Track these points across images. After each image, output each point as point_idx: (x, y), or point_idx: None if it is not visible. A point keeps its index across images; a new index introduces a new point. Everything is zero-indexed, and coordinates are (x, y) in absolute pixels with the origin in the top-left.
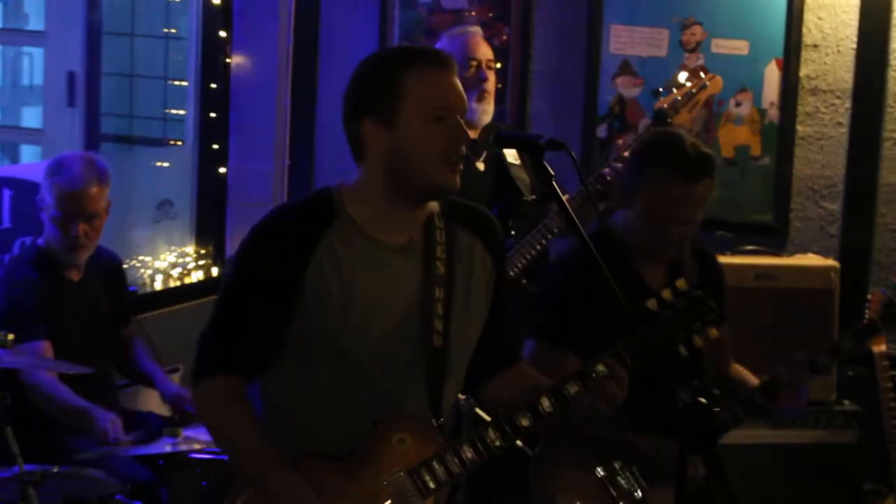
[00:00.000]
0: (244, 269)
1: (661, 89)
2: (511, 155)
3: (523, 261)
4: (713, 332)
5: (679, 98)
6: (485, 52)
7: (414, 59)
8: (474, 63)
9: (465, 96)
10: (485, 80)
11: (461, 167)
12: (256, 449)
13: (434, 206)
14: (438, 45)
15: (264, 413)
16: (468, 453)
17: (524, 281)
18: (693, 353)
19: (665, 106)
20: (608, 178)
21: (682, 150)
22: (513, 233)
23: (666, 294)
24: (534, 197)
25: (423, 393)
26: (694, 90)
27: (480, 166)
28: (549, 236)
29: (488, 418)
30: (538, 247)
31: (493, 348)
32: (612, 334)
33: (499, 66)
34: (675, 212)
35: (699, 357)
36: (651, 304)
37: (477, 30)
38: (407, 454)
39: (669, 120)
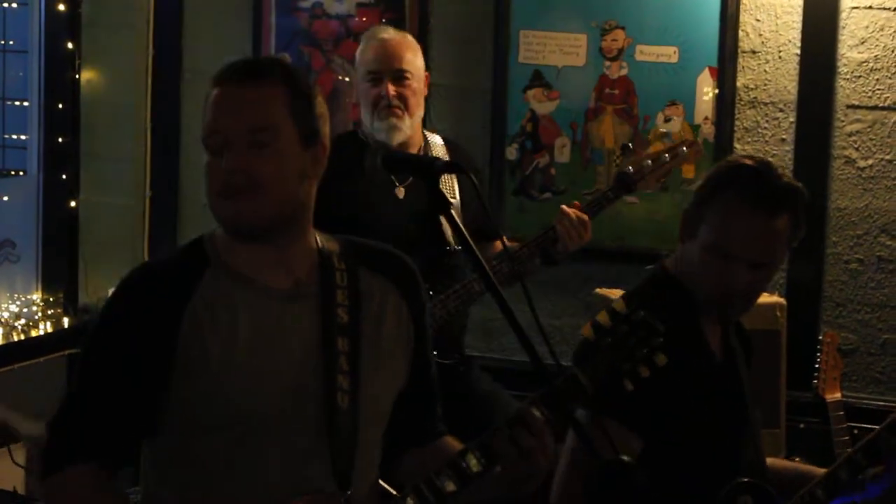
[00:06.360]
0: (101, 336)
1: (630, 144)
2: (448, 189)
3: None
4: (661, 360)
5: (649, 162)
6: (385, 60)
7: (213, 79)
8: (369, 75)
9: (259, 115)
10: (382, 95)
11: (243, 208)
12: None
13: (332, 245)
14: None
15: (145, 497)
16: None
17: None
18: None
19: (630, 169)
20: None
21: (760, 174)
22: (430, 293)
23: (602, 318)
24: (460, 248)
25: (327, 462)
26: (667, 155)
27: (400, 193)
28: (465, 301)
29: (394, 492)
30: (450, 312)
31: (408, 419)
32: None
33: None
34: (742, 247)
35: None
36: (586, 330)
37: (374, 35)
38: None
39: (633, 188)
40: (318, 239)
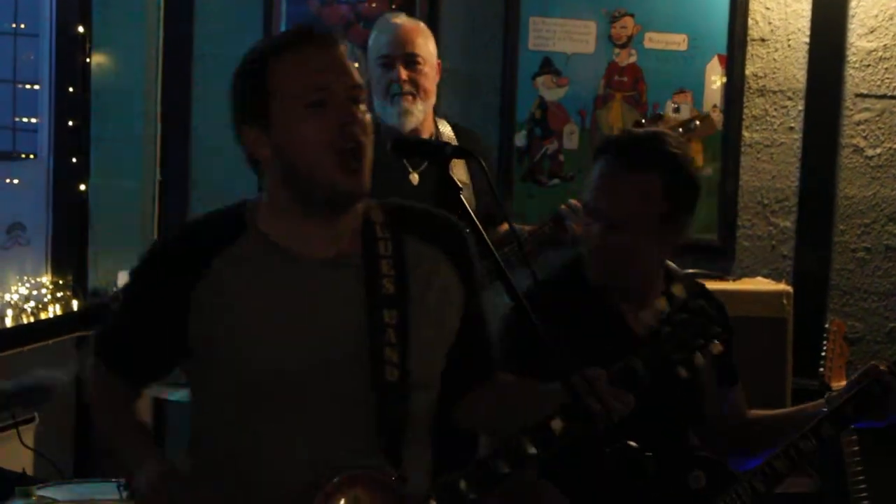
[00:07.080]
0: (134, 276)
1: (643, 120)
2: (459, 174)
3: None
4: (717, 348)
5: None
6: (397, 45)
7: (281, 44)
8: (381, 59)
9: (353, 74)
10: (394, 79)
11: (362, 165)
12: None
13: (375, 212)
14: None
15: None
16: None
17: None
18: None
19: None
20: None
21: (637, 136)
22: None
23: (662, 304)
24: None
25: (372, 437)
26: (680, 129)
27: (415, 179)
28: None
29: None
30: None
31: (463, 367)
32: None
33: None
34: (598, 197)
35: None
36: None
37: (387, 20)
38: None
39: None
40: (361, 206)
